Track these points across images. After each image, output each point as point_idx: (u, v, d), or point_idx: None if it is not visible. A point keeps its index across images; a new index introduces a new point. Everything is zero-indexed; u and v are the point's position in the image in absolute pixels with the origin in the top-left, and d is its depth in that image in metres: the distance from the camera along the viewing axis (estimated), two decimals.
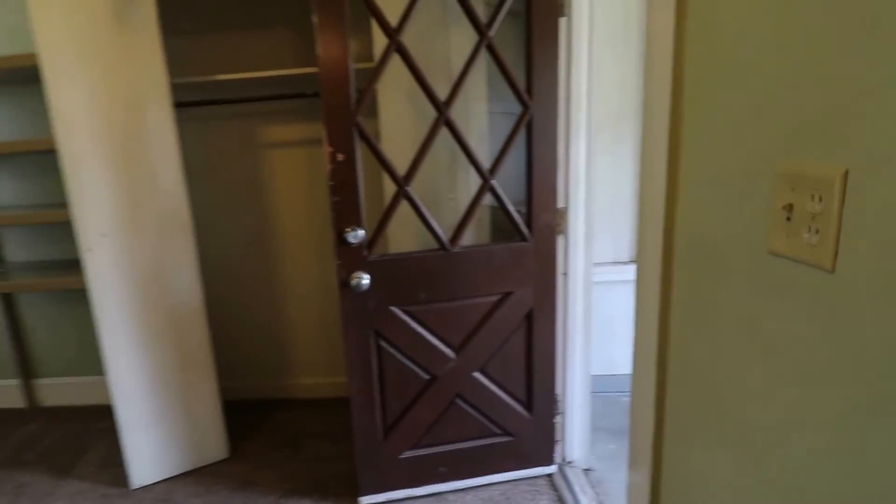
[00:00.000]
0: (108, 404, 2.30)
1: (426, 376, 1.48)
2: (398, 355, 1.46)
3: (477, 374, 1.50)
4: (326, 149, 1.32)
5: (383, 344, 1.45)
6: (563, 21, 1.34)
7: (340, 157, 1.33)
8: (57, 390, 2.38)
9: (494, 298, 1.45)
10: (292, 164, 2.11)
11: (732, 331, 0.69)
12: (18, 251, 2.25)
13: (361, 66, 1.42)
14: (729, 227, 0.68)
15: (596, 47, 1.38)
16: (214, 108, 1.99)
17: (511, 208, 1.39)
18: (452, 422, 1.52)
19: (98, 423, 2.20)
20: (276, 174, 2.13)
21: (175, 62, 1.74)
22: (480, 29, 1.30)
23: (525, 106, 1.34)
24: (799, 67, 0.56)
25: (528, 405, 1.55)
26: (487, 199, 1.42)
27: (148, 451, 1.74)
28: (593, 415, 1.67)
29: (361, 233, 1.37)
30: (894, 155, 0.46)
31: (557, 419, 1.59)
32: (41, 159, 2.15)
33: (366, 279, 1.37)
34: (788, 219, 0.58)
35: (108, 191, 1.57)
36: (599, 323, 1.94)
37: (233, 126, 2.08)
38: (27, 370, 2.36)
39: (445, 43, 1.51)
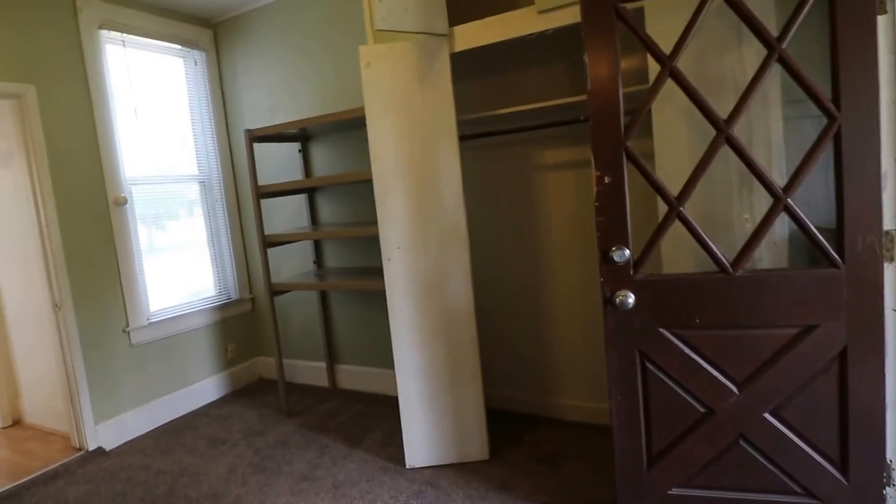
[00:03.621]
0: (388, 394, 3.27)
1: (701, 409, 1.65)
2: (667, 381, 1.67)
3: (768, 417, 1.58)
4: (594, 173, 1.65)
5: (650, 367, 1.69)
6: (882, 19, 1.33)
7: (608, 179, 1.64)
8: (351, 376, 3.49)
9: (791, 331, 1.52)
10: (562, 185, 2.61)
11: None
12: (333, 259, 3.41)
13: (632, 89, 1.70)
14: None
15: None
16: (492, 137, 2.65)
17: (813, 230, 1.44)
18: (735, 466, 1.64)
19: (381, 408, 3.13)
20: (544, 195, 2.66)
21: (461, 102, 2.42)
22: (770, 43, 1.42)
23: (831, 117, 1.39)
24: None
25: (843, 466, 1.54)
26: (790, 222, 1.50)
27: (420, 438, 2.42)
28: None
29: (627, 252, 1.64)
30: None
31: (888, 492, 1.52)
32: (350, 187, 3.22)
33: (630, 298, 1.64)
34: None
35: (405, 211, 2.29)
36: None
37: (506, 152, 2.72)
38: (332, 356, 3.52)
39: (732, 54, 1.66)
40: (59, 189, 2.78)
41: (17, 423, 3.42)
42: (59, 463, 2.77)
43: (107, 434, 2.95)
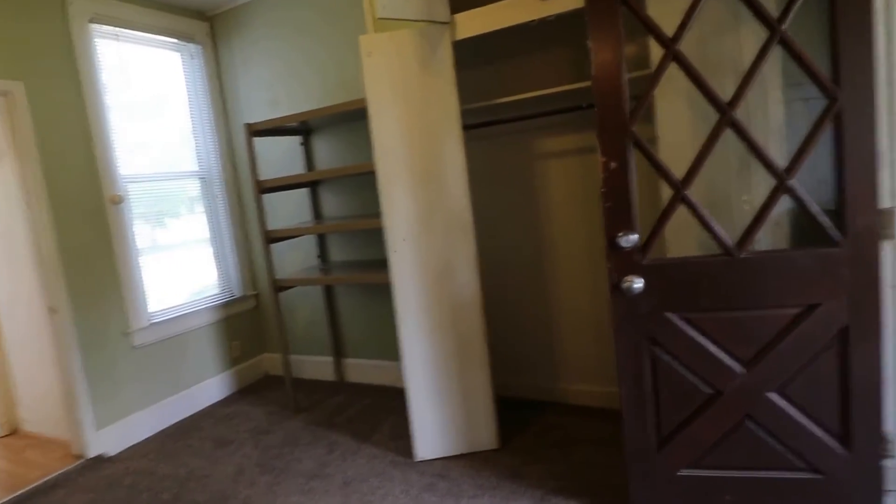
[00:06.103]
0: (396, 386, 3.43)
1: (708, 390, 1.78)
2: (675, 364, 1.80)
3: (773, 396, 1.71)
4: (600, 158, 1.76)
5: (657, 351, 1.82)
6: None
7: (613, 165, 1.75)
8: (358, 369, 3.64)
9: (794, 311, 1.64)
10: (565, 172, 2.74)
11: None
12: (337, 253, 3.55)
13: (636, 74, 1.82)
14: None
15: None
16: (495, 126, 2.75)
17: (816, 209, 1.57)
18: (741, 445, 1.78)
19: (389, 401, 3.28)
20: (549, 182, 2.79)
21: (464, 91, 2.52)
22: (771, 24, 1.53)
23: (831, 97, 1.51)
24: None
25: (845, 439, 1.67)
26: (788, 200, 1.62)
27: (429, 430, 2.55)
28: None
29: (634, 237, 1.77)
30: None
31: (888, 463, 1.65)
32: (353, 180, 3.35)
33: (638, 283, 1.76)
34: None
35: (410, 202, 2.41)
36: None
37: (510, 140, 2.84)
38: (338, 350, 3.67)
39: (732, 37, 1.78)
40: (52, 189, 2.89)
41: (14, 431, 3.53)
42: (60, 472, 2.87)
43: (109, 439, 3.07)
